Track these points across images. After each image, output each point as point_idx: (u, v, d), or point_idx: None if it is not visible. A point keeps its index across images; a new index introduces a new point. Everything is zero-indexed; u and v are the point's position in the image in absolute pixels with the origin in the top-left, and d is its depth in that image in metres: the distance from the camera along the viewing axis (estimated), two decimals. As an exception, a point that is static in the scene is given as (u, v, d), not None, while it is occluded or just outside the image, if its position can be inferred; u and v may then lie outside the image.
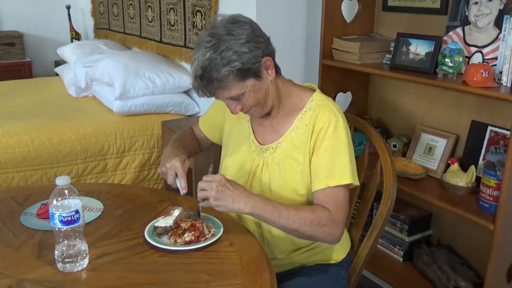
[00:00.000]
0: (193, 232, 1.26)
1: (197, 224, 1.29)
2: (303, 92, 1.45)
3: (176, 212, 1.32)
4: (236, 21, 1.31)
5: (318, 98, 1.42)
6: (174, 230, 1.28)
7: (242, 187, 1.28)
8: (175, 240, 1.25)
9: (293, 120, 1.41)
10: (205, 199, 1.26)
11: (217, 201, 1.24)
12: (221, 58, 1.26)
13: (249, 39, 1.29)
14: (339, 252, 1.52)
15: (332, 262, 1.50)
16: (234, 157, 1.50)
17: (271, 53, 1.35)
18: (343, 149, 1.34)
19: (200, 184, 1.27)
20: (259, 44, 1.31)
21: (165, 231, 1.29)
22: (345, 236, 1.55)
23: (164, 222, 1.31)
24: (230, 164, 1.50)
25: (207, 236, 1.27)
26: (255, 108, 1.38)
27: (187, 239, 1.25)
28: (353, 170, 1.35)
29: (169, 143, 1.56)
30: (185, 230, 1.27)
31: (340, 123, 1.35)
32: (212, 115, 1.64)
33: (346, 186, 1.34)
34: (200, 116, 1.80)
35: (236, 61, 1.27)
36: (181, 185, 1.38)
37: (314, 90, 1.46)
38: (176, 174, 1.39)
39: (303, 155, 1.37)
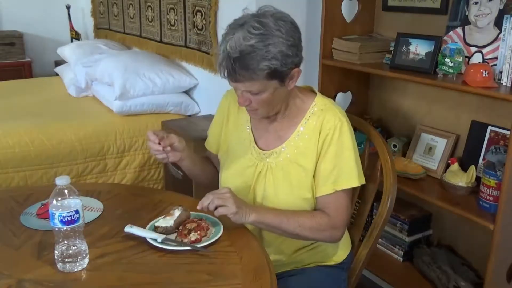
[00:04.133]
0: (199, 232, 1.26)
1: (202, 224, 1.29)
2: (305, 96, 1.44)
3: (177, 213, 1.32)
4: (287, 20, 1.29)
5: (320, 102, 1.42)
6: (180, 231, 1.28)
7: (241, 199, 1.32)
8: (182, 241, 1.26)
9: (297, 125, 1.41)
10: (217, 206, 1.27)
11: (237, 208, 1.27)
12: (265, 51, 1.22)
13: (295, 44, 1.27)
14: (340, 254, 1.52)
15: (333, 263, 1.51)
16: (235, 164, 1.48)
17: (300, 64, 1.34)
18: (348, 153, 1.35)
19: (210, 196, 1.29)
20: (299, 52, 1.30)
21: (166, 231, 1.29)
22: (346, 238, 1.55)
23: (165, 222, 1.31)
24: (231, 170, 1.48)
25: (206, 236, 1.28)
26: (262, 109, 1.36)
27: (193, 239, 1.25)
28: (359, 171, 1.37)
29: None
30: (190, 231, 1.27)
31: (345, 127, 1.36)
32: (214, 127, 1.60)
33: (350, 189, 1.38)
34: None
35: (277, 60, 1.24)
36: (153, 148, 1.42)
37: (313, 92, 1.46)
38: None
39: (310, 161, 1.37)
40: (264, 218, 1.33)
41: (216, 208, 1.26)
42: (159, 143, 1.42)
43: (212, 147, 1.60)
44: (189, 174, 1.58)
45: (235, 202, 1.27)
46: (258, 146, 1.46)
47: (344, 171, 1.35)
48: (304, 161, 1.38)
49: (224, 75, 1.28)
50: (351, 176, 1.35)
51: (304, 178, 1.38)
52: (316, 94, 1.45)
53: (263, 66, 1.23)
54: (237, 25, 1.26)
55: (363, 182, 1.40)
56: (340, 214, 1.36)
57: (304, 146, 1.39)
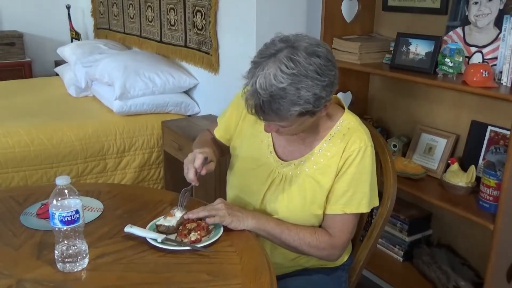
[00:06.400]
0: (199, 232, 1.26)
1: (203, 224, 1.29)
2: (332, 111, 1.38)
3: (178, 214, 1.32)
4: (322, 55, 1.18)
5: (348, 120, 1.37)
6: (180, 231, 1.28)
7: (242, 208, 1.37)
8: (182, 240, 1.26)
9: (320, 140, 1.37)
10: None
11: (231, 216, 1.30)
12: (297, 96, 1.15)
13: (330, 83, 1.19)
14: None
15: (334, 265, 1.50)
16: (247, 163, 1.46)
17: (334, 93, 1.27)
18: (365, 178, 1.33)
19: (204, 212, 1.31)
20: (334, 87, 1.22)
21: (168, 230, 1.29)
22: None
23: (167, 221, 1.31)
24: (243, 168, 1.47)
25: (206, 236, 1.27)
26: (288, 133, 1.34)
27: (193, 239, 1.25)
28: (371, 197, 1.35)
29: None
30: (190, 231, 1.27)
31: (368, 151, 1.33)
32: (227, 116, 1.56)
33: (359, 213, 1.37)
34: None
35: (310, 104, 1.17)
36: (189, 176, 1.37)
37: (340, 106, 1.42)
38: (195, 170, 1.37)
39: (328, 179, 1.35)
40: (265, 226, 1.33)
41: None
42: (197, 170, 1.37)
43: (223, 137, 1.57)
44: None
45: (228, 211, 1.30)
46: (276, 153, 1.43)
47: (357, 195, 1.33)
48: (321, 178, 1.35)
49: (251, 111, 1.21)
50: (363, 201, 1.34)
51: (318, 195, 1.36)
52: (344, 109, 1.40)
53: (293, 111, 1.17)
54: (268, 55, 1.17)
55: (376, 205, 1.38)
56: (343, 235, 1.36)
57: (324, 163, 1.35)
